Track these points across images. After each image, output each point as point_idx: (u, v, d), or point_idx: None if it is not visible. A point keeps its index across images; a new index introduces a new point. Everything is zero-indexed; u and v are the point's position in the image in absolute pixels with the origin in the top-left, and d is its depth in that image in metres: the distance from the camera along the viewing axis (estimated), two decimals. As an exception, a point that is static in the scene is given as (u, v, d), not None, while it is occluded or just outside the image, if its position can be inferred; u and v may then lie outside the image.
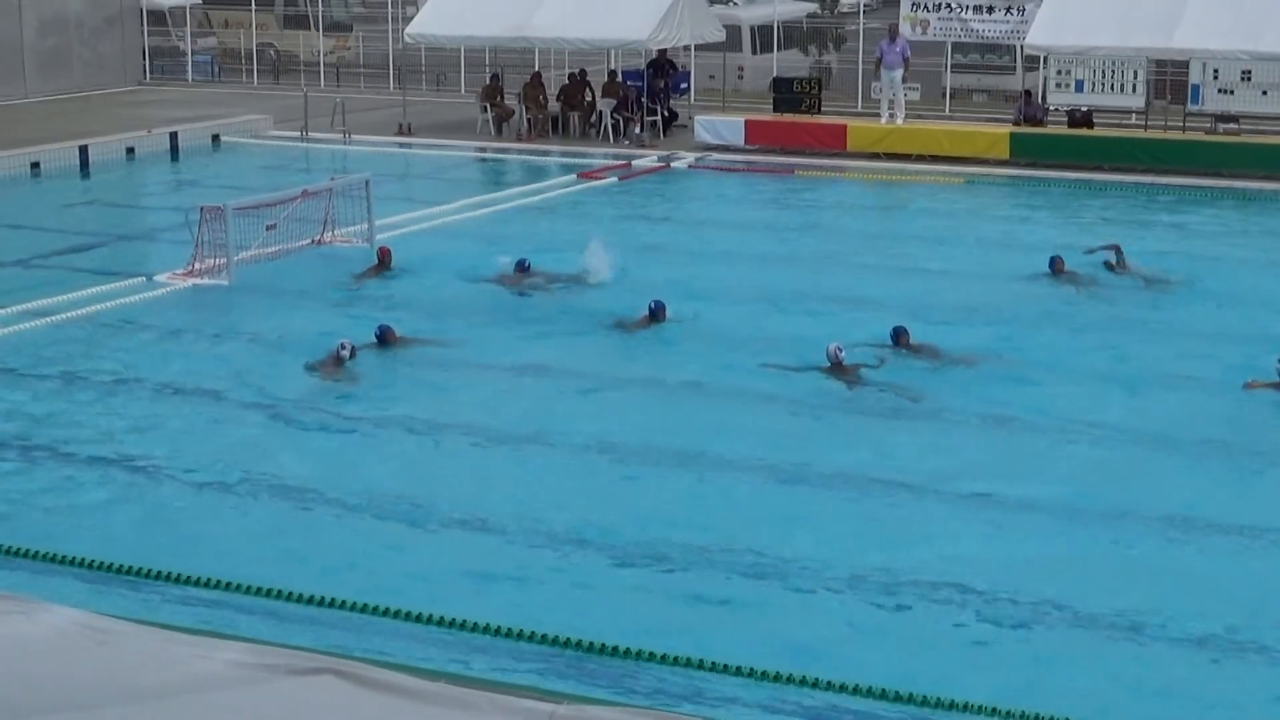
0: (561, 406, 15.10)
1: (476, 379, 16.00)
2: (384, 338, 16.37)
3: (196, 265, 19.66)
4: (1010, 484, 12.85)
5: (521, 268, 19.55)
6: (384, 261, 20.13)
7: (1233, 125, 28.61)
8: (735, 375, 15.89)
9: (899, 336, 16.25)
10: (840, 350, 15.42)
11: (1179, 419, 14.65)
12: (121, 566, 10.99)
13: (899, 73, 29.53)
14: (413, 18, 34.12)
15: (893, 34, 29.98)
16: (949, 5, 30.63)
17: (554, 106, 32.67)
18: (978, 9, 30.54)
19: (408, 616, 10.21)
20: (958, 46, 33.03)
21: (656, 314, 17.27)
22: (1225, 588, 11.00)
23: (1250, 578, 11.25)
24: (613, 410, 15.07)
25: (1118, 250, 19.93)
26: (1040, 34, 28.56)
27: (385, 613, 10.28)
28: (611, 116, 31.43)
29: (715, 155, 29.51)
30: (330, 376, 15.44)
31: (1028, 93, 30.22)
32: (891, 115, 29.66)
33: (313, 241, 21.35)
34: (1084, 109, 29.41)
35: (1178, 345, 17.02)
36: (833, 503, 12.61)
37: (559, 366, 16.28)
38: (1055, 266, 19.51)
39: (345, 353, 15.63)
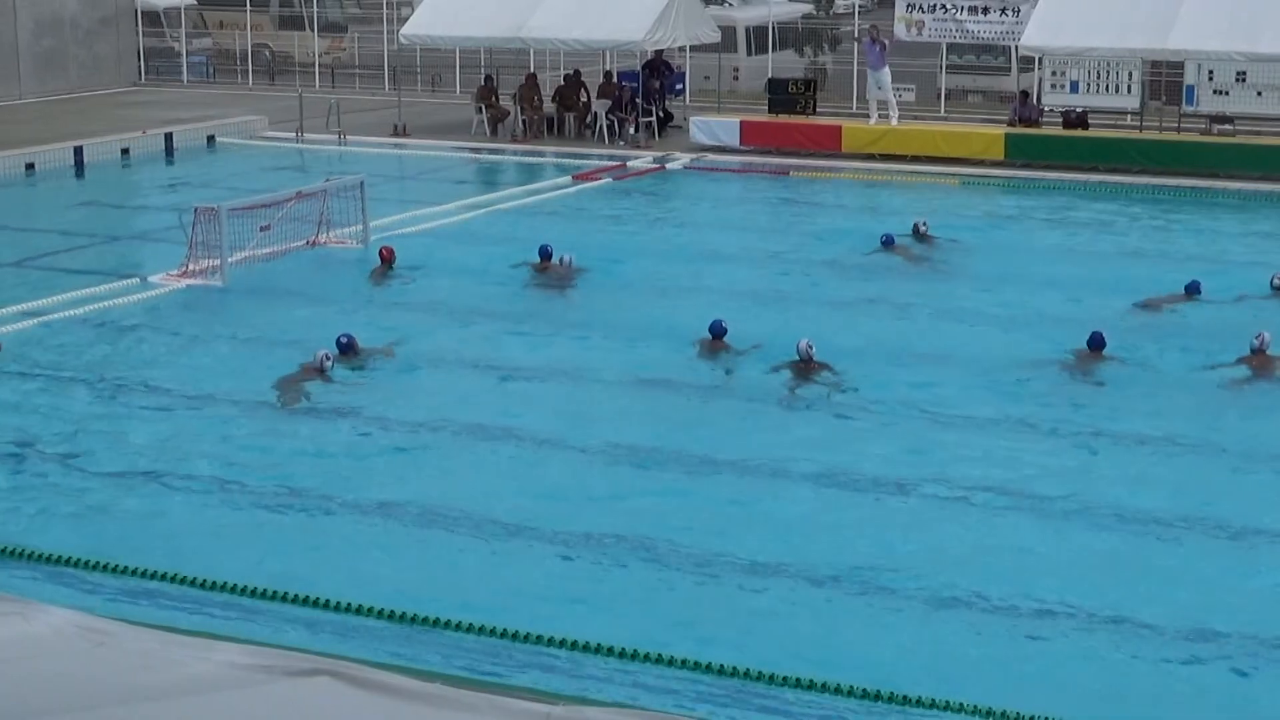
0: (548, 406, 15.11)
1: (459, 380, 16.00)
2: (347, 346, 16.08)
3: (191, 266, 19.66)
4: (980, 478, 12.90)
5: (545, 257, 19.87)
6: (387, 262, 20.11)
7: (1228, 126, 28.63)
8: (723, 373, 15.94)
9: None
10: (810, 347, 15.62)
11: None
12: (116, 566, 10.99)
13: (885, 72, 29.55)
14: (408, 18, 34.13)
15: (873, 35, 30.02)
16: (944, 6, 30.65)
17: (549, 107, 32.68)
18: (973, 10, 30.55)
19: (403, 618, 10.22)
20: (953, 47, 33.05)
21: (716, 333, 16.52)
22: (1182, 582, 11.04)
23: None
24: (595, 409, 15.06)
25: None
26: (1035, 35, 28.58)
27: (380, 614, 10.28)
28: (607, 117, 31.44)
29: (710, 156, 29.51)
30: (309, 385, 15.33)
31: (1024, 94, 30.25)
32: (883, 116, 29.67)
33: (307, 243, 21.34)
34: (1079, 110, 29.44)
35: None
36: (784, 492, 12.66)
37: (545, 367, 16.29)
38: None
39: (329, 363, 15.55)
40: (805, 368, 15.59)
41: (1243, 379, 15.75)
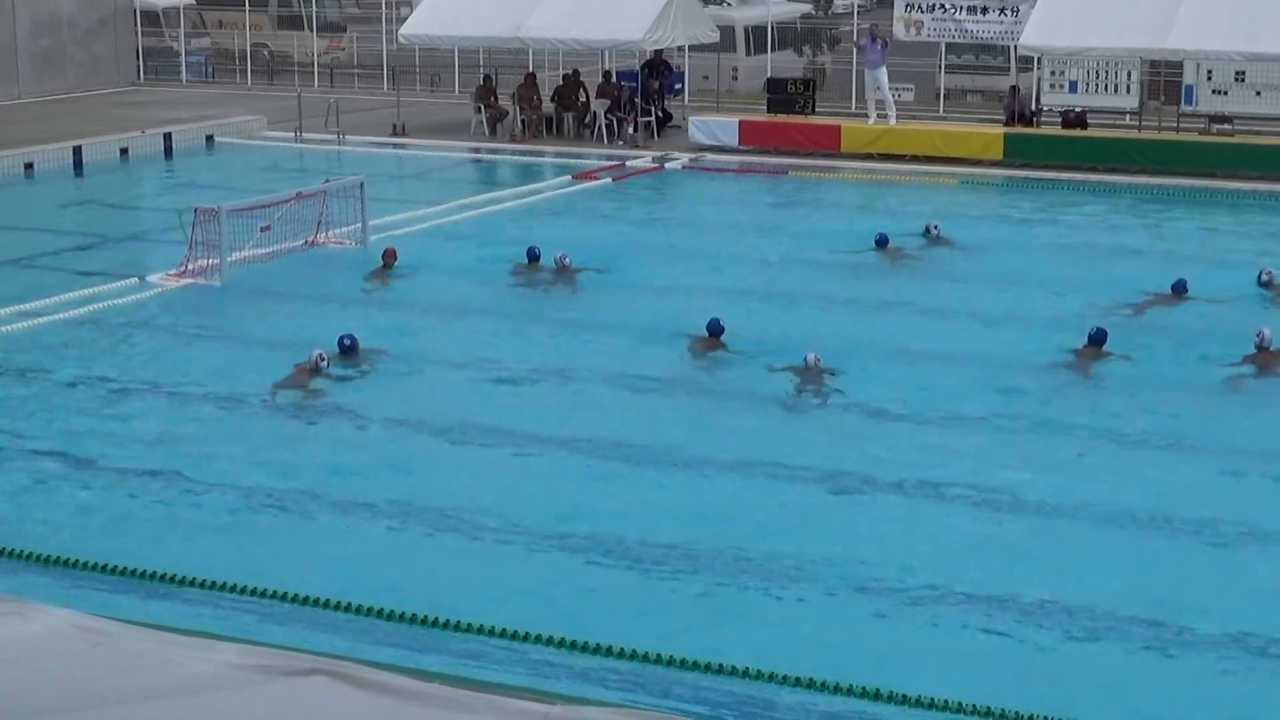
0: (545, 406, 15.10)
1: (456, 380, 16.00)
2: (349, 347, 16.05)
3: (189, 266, 19.65)
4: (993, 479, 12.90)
5: (532, 258, 19.94)
6: (388, 264, 20.10)
7: (1226, 126, 28.64)
8: (723, 374, 15.94)
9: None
10: (818, 359, 15.59)
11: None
12: (113, 567, 10.98)
13: (883, 71, 29.55)
14: (407, 18, 34.12)
15: (873, 33, 30.03)
16: (943, 6, 30.65)
17: (548, 107, 32.68)
18: (971, 10, 30.55)
19: (401, 618, 10.22)
20: (952, 47, 33.05)
21: (714, 331, 16.52)
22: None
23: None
24: (593, 408, 15.05)
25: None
26: (1034, 35, 28.58)
27: (377, 614, 10.28)
28: (606, 117, 31.44)
29: (709, 156, 29.51)
30: (305, 385, 15.32)
31: (1014, 89, 30.26)
32: (882, 115, 29.66)
33: (306, 243, 21.33)
34: (1078, 110, 29.44)
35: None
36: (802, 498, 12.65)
37: (542, 366, 16.29)
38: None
39: (324, 363, 15.54)
40: (807, 371, 15.57)
41: (1250, 376, 15.75)
